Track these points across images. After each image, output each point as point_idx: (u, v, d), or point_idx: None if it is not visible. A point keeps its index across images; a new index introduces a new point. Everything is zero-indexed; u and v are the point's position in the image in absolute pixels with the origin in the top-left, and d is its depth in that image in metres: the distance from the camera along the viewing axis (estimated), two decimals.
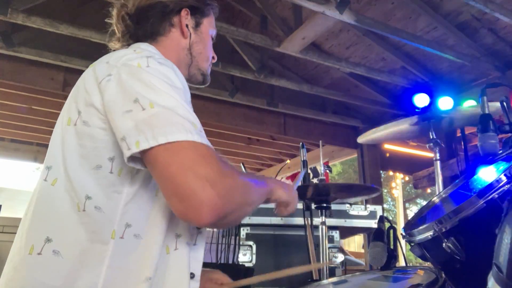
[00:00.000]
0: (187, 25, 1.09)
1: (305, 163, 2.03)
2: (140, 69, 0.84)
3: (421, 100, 3.62)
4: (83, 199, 0.83)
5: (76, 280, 0.79)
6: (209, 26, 1.16)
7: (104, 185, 0.84)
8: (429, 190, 9.70)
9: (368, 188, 2.01)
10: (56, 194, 0.86)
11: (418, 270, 1.30)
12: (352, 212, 2.46)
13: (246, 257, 2.34)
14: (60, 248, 0.82)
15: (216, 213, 0.75)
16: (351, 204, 2.47)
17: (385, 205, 12.49)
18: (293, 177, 6.41)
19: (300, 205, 2.33)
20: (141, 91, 0.81)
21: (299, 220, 2.37)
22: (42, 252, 0.82)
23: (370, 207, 2.51)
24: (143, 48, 1.00)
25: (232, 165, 0.88)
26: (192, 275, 0.90)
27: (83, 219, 0.83)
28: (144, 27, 1.06)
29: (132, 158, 0.80)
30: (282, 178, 6.55)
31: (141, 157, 0.80)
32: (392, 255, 1.40)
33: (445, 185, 1.95)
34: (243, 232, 2.39)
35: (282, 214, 1.09)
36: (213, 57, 1.20)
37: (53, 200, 0.86)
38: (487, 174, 1.22)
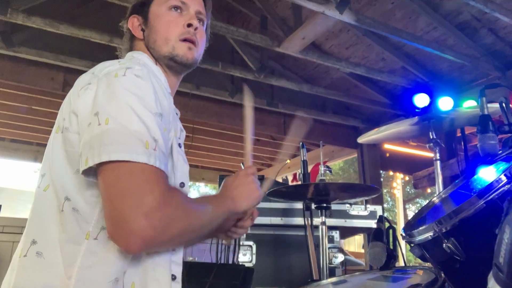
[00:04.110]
0: (142, 29, 1.07)
1: (305, 163, 2.03)
2: (115, 78, 0.84)
3: (421, 100, 3.62)
4: (63, 200, 0.85)
5: (54, 280, 0.80)
6: (160, 5, 1.06)
7: (83, 189, 0.84)
8: (429, 190, 9.70)
9: (368, 188, 2.01)
10: (46, 199, 0.88)
11: (418, 270, 1.31)
12: (352, 212, 2.46)
13: (246, 257, 2.34)
14: (43, 249, 0.83)
15: (146, 244, 0.74)
16: (351, 204, 2.47)
17: (385, 205, 12.49)
18: (295, 178, 6.41)
19: (300, 205, 2.34)
20: (104, 103, 0.81)
21: (299, 220, 2.37)
22: (27, 254, 0.84)
23: (370, 207, 2.51)
24: (135, 56, 1.03)
25: (178, 191, 0.87)
26: (173, 277, 0.91)
27: (63, 220, 0.84)
28: (125, 46, 1.12)
29: (87, 172, 0.80)
30: (286, 176, 6.55)
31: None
32: (392, 255, 1.40)
33: (445, 185, 1.95)
34: None
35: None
36: (189, 25, 1.04)
37: (43, 205, 0.88)
38: (487, 174, 1.22)
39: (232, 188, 1.02)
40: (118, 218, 0.74)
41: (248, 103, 1.20)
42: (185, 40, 1.04)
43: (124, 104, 0.80)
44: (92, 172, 0.80)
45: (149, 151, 0.78)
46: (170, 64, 1.05)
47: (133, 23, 1.09)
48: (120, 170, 0.76)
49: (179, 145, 0.99)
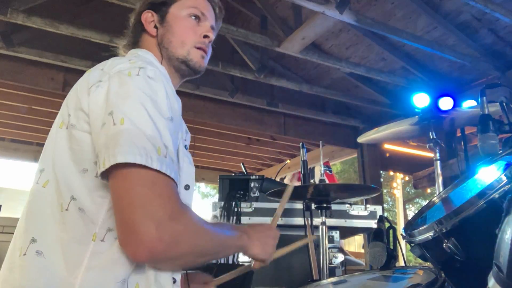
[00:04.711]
0: (155, 26, 1.08)
1: (305, 163, 2.03)
2: (129, 78, 0.84)
3: (421, 100, 3.62)
4: (68, 199, 0.84)
5: (56, 280, 0.79)
6: (181, 9, 1.09)
7: (90, 189, 0.84)
8: (429, 190, 9.70)
9: (368, 188, 2.01)
10: (46, 196, 0.87)
11: (418, 270, 1.31)
12: (352, 212, 2.46)
13: (246, 257, 2.34)
14: (43, 248, 0.82)
15: (153, 256, 0.75)
16: (351, 204, 2.47)
17: (385, 205, 12.49)
18: (294, 176, 6.41)
19: (300, 205, 2.33)
20: (118, 103, 0.81)
21: (299, 220, 2.37)
22: (26, 253, 0.83)
23: (370, 207, 2.50)
24: (140, 54, 1.04)
25: (190, 209, 0.86)
26: (174, 280, 0.91)
27: (66, 219, 0.83)
28: (129, 39, 1.13)
29: (104, 174, 0.80)
30: (285, 176, 6.55)
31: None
32: (392, 255, 1.40)
33: (445, 185, 1.95)
34: None
35: (256, 267, 1.09)
36: (205, 36, 1.09)
37: (43, 202, 0.87)
38: (487, 174, 1.22)
39: (254, 231, 1.04)
40: (129, 227, 0.75)
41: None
42: (199, 48, 1.08)
43: (139, 105, 0.81)
44: (107, 173, 0.80)
45: (161, 158, 0.79)
46: (181, 67, 1.07)
47: (146, 18, 1.10)
48: (133, 178, 0.76)
49: (185, 147, 0.99)
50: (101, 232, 0.82)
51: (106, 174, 0.80)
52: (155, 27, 1.08)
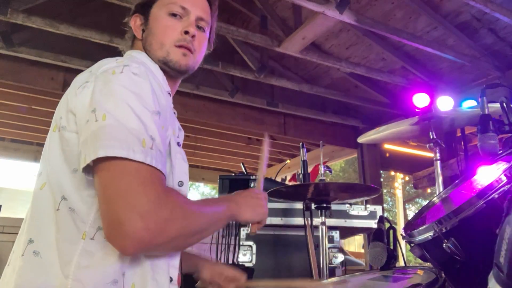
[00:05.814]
0: (143, 29, 1.07)
1: (305, 163, 2.03)
2: (113, 76, 0.84)
3: (421, 100, 3.62)
4: (59, 199, 0.84)
5: (51, 280, 0.80)
6: (160, 8, 1.05)
7: (80, 188, 0.84)
8: (429, 190, 9.70)
9: (368, 188, 2.01)
10: (43, 198, 0.87)
11: (418, 270, 1.31)
12: (352, 212, 2.46)
13: (246, 257, 2.34)
14: (39, 248, 0.83)
15: (141, 246, 0.74)
16: (351, 204, 2.47)
17: (385, 205, 12.49)
18: (293, 178, 6.41)
19: (300, 205, 2.33)
20: (101, 100, 0.81)
21: (299, 220, 2.37)
22: (24, 253, 0.83)
23: (370, 207, 2.51)
24: (134, 55, 1.03)
25: (176, 192, 0.85)
26: (171, 279, 0.90)
27: (58, 218, 0.84)
28: (126, 43, 1.12)
29: (88, 170, 0.80)
30: (286, 176, 6.55)
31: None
32: (392, 255, 1.40)
33: (445, 185, 1.95)
34: (243, 232, 2.39)
35: (253, 231, 1.07)
36: (186, 32, 1.02)
37: (40, 204, 0.88)
38: (487, 174, 1.22)
39: (240, 196, 1.02)
40: (113, 219, 0.74)
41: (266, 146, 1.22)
42: (180, 46, 1.03)
43: (122, 101, 0.80)
44: (91, 169, 0.80)
45: (146, 150, 0.78)
46: (164, 68, 1.04)
47: (135, 22, 1.09)
48: (116, 170, 0.76)
49: (178, 144, 0.98)
50: (91, 231, 0.82)
51: (90, 171, 0.80)
52: (143, 30, 1.07)
